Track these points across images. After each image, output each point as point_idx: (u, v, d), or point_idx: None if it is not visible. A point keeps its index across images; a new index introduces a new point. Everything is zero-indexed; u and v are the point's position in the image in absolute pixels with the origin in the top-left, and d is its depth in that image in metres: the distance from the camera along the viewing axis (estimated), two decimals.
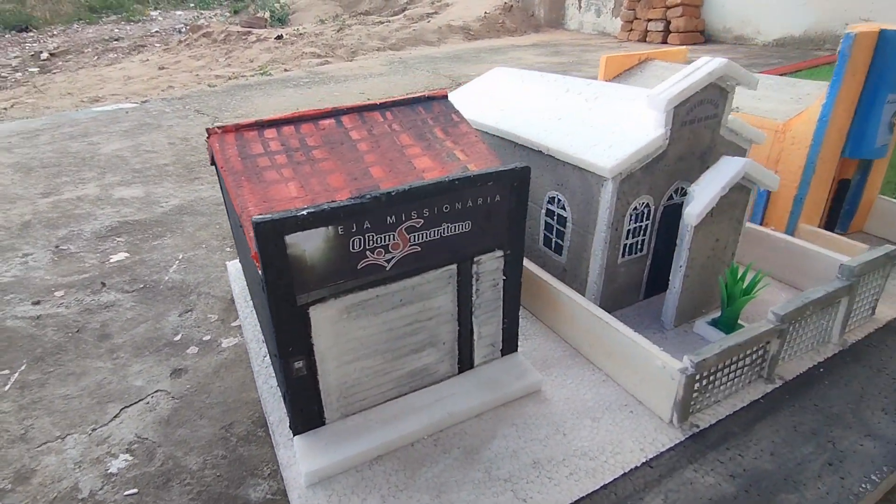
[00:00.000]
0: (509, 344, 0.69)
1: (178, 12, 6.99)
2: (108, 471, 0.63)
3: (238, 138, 0.61)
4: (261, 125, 0.63)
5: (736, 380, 0.64)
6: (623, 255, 0.77)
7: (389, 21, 5.05)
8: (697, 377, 0.59)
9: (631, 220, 0.74)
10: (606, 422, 0.61)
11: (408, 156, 0.63)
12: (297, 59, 4.06)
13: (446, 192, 0.54)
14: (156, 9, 7.16)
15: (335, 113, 0.66)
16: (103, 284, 1.02)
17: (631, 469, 0.55)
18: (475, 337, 0.66)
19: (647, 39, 4.28)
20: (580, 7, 4.98)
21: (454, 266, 0.60)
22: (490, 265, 0.62)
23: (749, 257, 0.92)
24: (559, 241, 0.81)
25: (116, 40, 5.58)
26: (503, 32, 5.07)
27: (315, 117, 0.65)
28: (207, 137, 0.60)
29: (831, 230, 1.03)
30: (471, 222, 0.58)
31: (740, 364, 0.63)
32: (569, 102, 0.84)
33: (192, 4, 7.38)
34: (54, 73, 4.53)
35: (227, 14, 6.32)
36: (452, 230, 0.57)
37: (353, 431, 0.59)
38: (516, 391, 0.65)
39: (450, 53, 4.02)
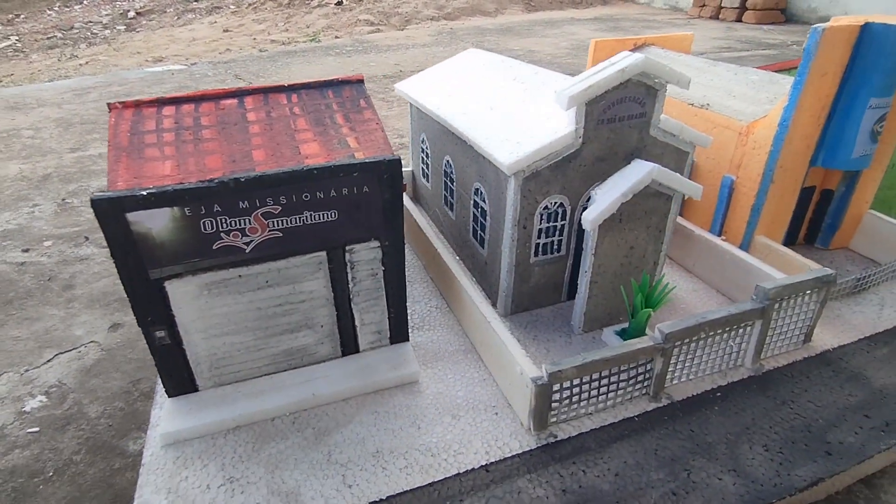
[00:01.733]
0: (398, 333, 0.70)
1: None
2: (23, 409, 0.70)
3: (136, 114, 0.64)
4: (161, 102, 0.65)
5: (610, 394, 0.62)
6: (536, 255, 0.75)
7: None
8: (555, 388, 0.58)
9: (542, 219, 0.72)
10: (466, 421, 0.61)
11: (297, 140, 0.64)
12: (350, 26, 4.10)
13: (303, 181, 0.55)
14: None
15: (239, 93, 0.68)
16: (86, 238, 1.11)
17: (466, 470, 0.56)
18: (357, 323, 0.67)
19: (720, 17, 3.98)
20: None
21: (323, 253, 0.61)
22: (366, 255, 0.63)
23: (700, 268, 0.87)
24: (482, 233, 0.80)
25: (196, 1, 5.83)
26: (567, 4, 4.86)
27: (218, 97, 0.67)
28: (109, 112, 0.64)
29: (811, 244, 0.95)
30: (337, 211, 0.59)
31: (613, 379, 0.61)
32: (509, 92, 0.82)
33: None
34: (137, 32, 4.82)
35: None
36: (316, 218, 0.58)
37: (219, 400, 0.62)
38: (390, 380, 0.66)
39: (503, 25, 3.92)
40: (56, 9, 5.77)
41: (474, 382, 0.67)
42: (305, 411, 0.63)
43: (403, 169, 1.12)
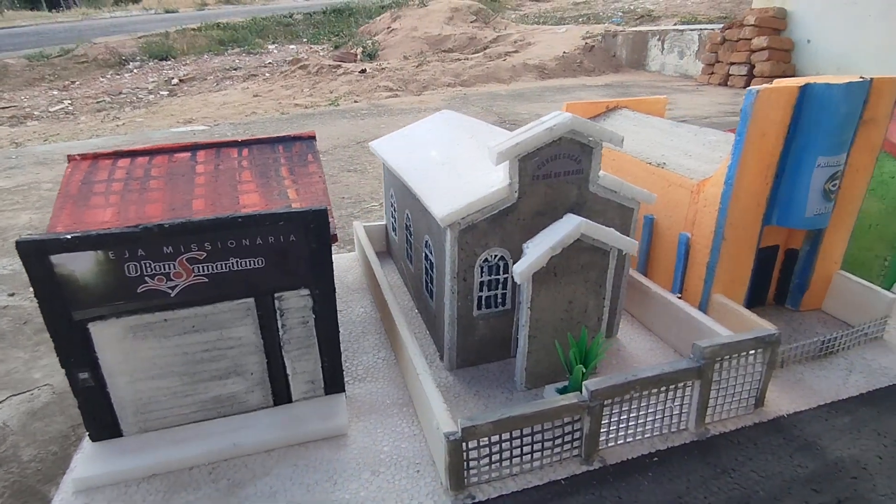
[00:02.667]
0: (333, 383, 0.69)
1: (292, 46, 7.67)
2: None
3: (91, 166, 0.68)
4: (119, 155, 0.70)
5: (535, 454, 0.59)
6: (480, 308, 0.74)
7: (467, 59, 5.21)
8: (471, 444, 0.56)
9: (483, 272, 0.72)
10: (385, 478, 0.59)
11: (239, 191, 0.67)
12: (370, 91, 4.31)
13: (227, 229, 0.57)
14: (273, 43, 7.90)
15: (194, 147, 0.72)
16: None
17: None
18: (289, 372, 0.67)
19: (728, 83, 4.05)
20: (663, 49, 4.82)
21: (251, 299, 0.62)
22: (295, 302, 0.64)
23: (657, 326, 0.85)
24: (431, 286, 0.80)
25: (235, 69, 6.21)
26: (580, 72, 5.03)
27: (172, 150, 0.71)
28: (68, 163, 0.68)
29: (782, 305, 0.92)
30: (264, 259, 0.60)
31: (537, 437, 0.58)
32: (464, 150, 0.84)
33: (304, 39, 8.07)
34: (179, 97, 5.14)
35: (331, 49, 6.84)
36: (243, 265, 0.60)
37: (140, 447, 0.62)
38: (316, 432, 0.65)
39: (515, 91, 4.06)
40: (108, 76, 6.19)
41: (403, 437, 0.65)
42: (226, 461, 0.62)
43: (377, 224, 1.14)
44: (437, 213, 0.67)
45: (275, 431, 0.64)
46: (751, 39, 3.84)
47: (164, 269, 0.57)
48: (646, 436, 0.64)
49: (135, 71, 6.40)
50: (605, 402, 0.60)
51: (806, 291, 0.90)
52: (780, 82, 0.74)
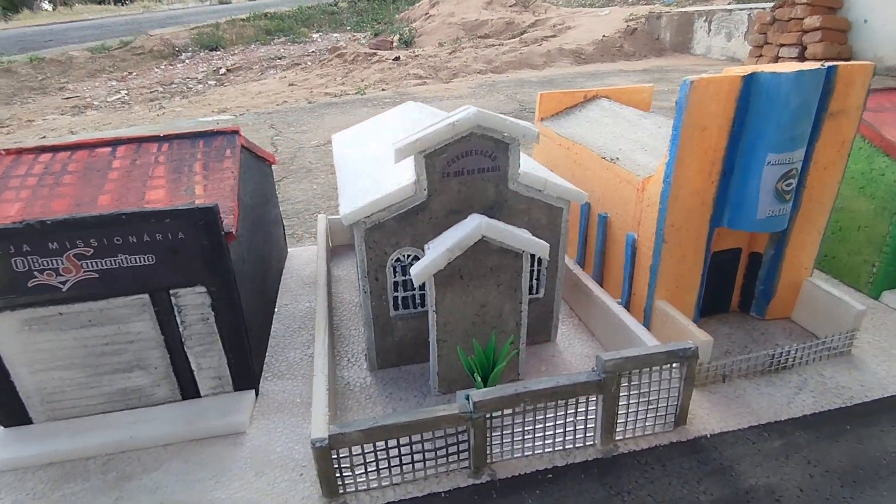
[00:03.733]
0: (242, 380, 0.69)
1: (335, 34, 7.76)
2: None
3: (14, 161, 0.70)
4: (42, 149, 0.71)
5: (417, 464, 0.57)
6: (397, 308, 0.72)
7: (502, 44, 5.10)
8: (342, 452, 0.54)
9: (396, 271, 0.70)
10: (267, 479, 0.59)
11: (147, 187, 0.67)
12: (400, 79, 4.30)
13: (111, 226, 0.57)
14: (317, 31, 8.01)
15: (115, 142, 0.73)
16: None
17: None
18: (193, 367, 0.67)
19: None
20: (709, 30, 4.57)
21: (146, 295, 0.62)
22: (192, 299, 0.64)
23: (599, 331, 0.80)
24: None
25: (279, 59, 6.34)
26: (619, 57, 4.83)
27: (94, 145, 0.72)
28: None
29: (747, 312, 0.85)
30: (154, 256, 0.60)
31: (417, 447, 0.56)
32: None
33: (348, 27, 8.14)
34: (224, 86, 5.30)
35: (371, 37, 6.87)
36: (133, 261, 0.60)
37: (45, 435, 0.64)
38: (214, 429, 0.65)
39: (546, 78, 3.95)
40: (162, 67, 6.45)
41: (299, 439, 0.64)
42: (123, 454, 0.63)
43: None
44: (341, 211, 0.66)
45: (172, 426, 0.64)
46: (803, 19, 3.57)
47: (53, 265, 0.58)
48: (547, 450, 0.61)
49: (186, 61, 6.64)
50: (493, 415, 0.57)
51: (772, 299, 0.82)
52: (728, 71, 0.67)
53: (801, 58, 3.64)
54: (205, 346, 0.66)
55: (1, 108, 4.21)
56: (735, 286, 0.85)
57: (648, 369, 0.60)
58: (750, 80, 0.66)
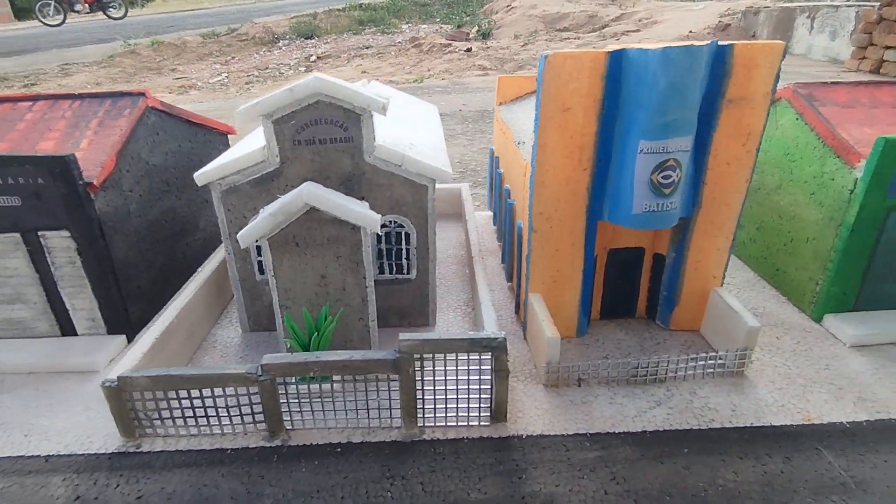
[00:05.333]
0: (114, 324, 0.74)
1: (424, 25, 7.88)
2: None
3: None
4: None
5: (212, 419, 0.58)
6: (262, 273, 0.74)
7: (579, 38, 4.94)
8: (135, 396, 0.57)
9: None
10: (90, 414, 0.63)
11: (43, 139, 0.73)
12: (463, 70, 4.29)
13: None
14: (407, 23, 8.18)
15: (36, 98, 0.80)
16: None
17: (33, 455, 0.57)
18: (68, 307, 0.73)
19: (881, 71, 3.36)
20: (811, 28, 4.13)
21: (17, 235, 0.68)
22: (59, 242, 0.69)
23: (478, 319, 0.77)
24: None
25: (367, 48, 6.57)
26: None
27: (19, 99, 0.80)
28: None
29: (653, 319, 0.78)
30: (20, 198, 0.66)
31: (209, 402, 0.57)
32: None
33: (437, 19, 8.24)
34: (311, 72, 5.57)
35: (454, 28, 6.91)
36: (1, 202, 0.66)
37: None
38: (71, 365, 0.70)
39: None
40: (261, 53, 6.88)
41: None
42: None
43: None
44: (197, 173, 0.68)
45: (36, 358, 0.70)
46: None
47: None
48: (350, 426, 0.60)
49: (283, 48, 7.03)
50: (285, 380, 0.57)
51: (676, 307, 0.74)
52: (611, 47, 0.61)
53: None
54: (76, 287, 0.71)
55: (123, 85, 4.68)
56: (641, 290, 0.78)
57: (454, 356, 0.57)
58: (619, 58, 0.60)
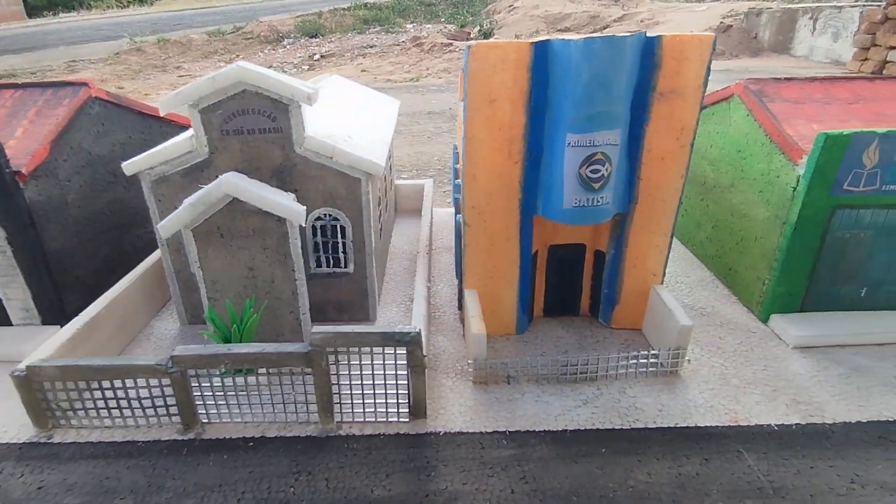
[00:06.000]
0: (49, 314, 0.74)
1: (429, 25, 7.88)
2: None
3: None
4: None
5: (125, 410, 0.58)
6: None
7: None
8: (46, 386, 0.56)
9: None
10: (7, 404, 0.62)
11: None
12: (461, 69, 4.28)
13: None
14: (412, 22, 8.18)
15: None
16: None
17: None
18: (1, 297, 0.72)
19: (884, 72, 3.31)
20: (814, 29, 4.09)
21: None
22: None
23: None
24: None
25: (370, 47, 6.57)
26: None
27: None
28: None
29: (596, 318, 0.77)
30: None
31: (121, 394, 0.57)
32: None
33: (442, 18, 8.23)
34: (314, 71, 5.58)
35: (458, 28, 6.89)
36: None
37: None
38: None
39: None
40: (265, 51, 6.89)
41: None
42: None
43: None
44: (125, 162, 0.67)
45: None
46: None
47: None
48: (267, 419, 0.59)
49: (287, 47, 7.05)
50: (208, 372, 0.56)
51: (617, 305, 0.73)
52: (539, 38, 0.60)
53: None
54: (8, 277, 0.71)
55: (127, 82, 4.70)
56: (584, 288, 0.76)
57: (369, 350, 0.56)
58: (544, 49, 0.58)
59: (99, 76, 4.74)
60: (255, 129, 0.65)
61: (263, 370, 0.57)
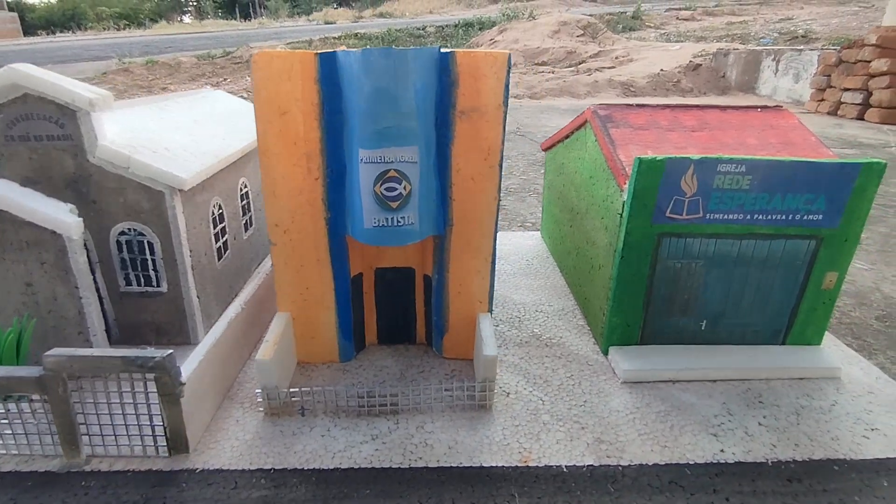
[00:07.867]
0: None
1: None
2: None
3: None
4: None
5: None
6: None
7: (553, 72, 4.98)
8: None
9: None
10: None
11: None
12: None
13: None
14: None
15: None
16: None
17: None
18: None
19: (838, 113, 3.36)
20: (776, 70, 4.16)
21: None
22: None
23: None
24: None
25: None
26: (674, 92, 4.53)
27: None
28: None
29: (430, 346, 0.72)
30: None
31: None
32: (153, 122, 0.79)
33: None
34: None
35: None
36: None
37: None
38: None
39: (575, 107, 3.78)
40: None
41: None
42: None
43: None
44: None
45: None
46: (870, 62, 3.15)
47: None
48: (10, 451, 0.54)
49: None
50: None
51: (446, 334, 0.69)
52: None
53: (866, 105, 3.20)
54: None
55: None
56: (419, 314, 0.72)
57: (116, 377, 0.51)
58: (331, 60, 0.56)
59: None
60: (42, 135, 0.61)
61: (41, 397, 0.52)
